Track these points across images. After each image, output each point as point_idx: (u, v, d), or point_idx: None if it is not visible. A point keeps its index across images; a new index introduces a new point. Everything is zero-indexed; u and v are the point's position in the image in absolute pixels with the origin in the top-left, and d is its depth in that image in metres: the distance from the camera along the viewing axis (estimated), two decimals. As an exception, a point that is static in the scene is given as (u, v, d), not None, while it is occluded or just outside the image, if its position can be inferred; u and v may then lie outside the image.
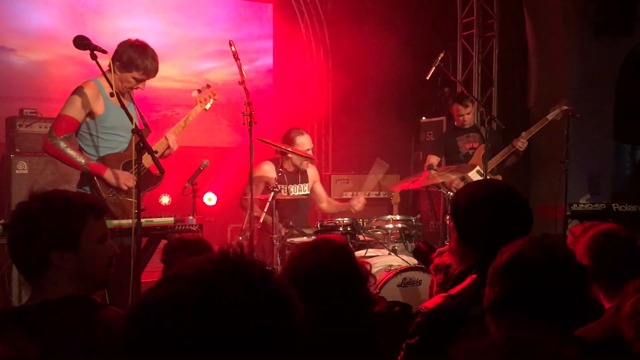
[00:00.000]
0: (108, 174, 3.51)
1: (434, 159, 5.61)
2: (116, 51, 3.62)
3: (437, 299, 2.15)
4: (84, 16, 7.45)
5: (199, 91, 4.07)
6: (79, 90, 3.55)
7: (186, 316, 0.74)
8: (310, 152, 4.97)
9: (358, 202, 5.06)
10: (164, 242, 3.36)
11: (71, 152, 3.49)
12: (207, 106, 4.07)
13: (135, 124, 3.04)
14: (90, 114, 3.57)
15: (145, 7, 7.96)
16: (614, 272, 2.19)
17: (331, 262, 1.83)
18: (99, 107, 3.57)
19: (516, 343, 1.53)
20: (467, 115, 5.49)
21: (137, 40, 3.70)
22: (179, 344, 0.72)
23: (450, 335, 1.64)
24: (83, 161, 3.49)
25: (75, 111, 3.51)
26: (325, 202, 5.35)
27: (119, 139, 3.66)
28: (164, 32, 8.11)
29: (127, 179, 3.53)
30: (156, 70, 3.71)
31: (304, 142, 4.95)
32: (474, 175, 5.21)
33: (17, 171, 4.95)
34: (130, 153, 3.55)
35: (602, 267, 2.21)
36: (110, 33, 7.50)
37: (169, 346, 0.73)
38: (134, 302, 0.83)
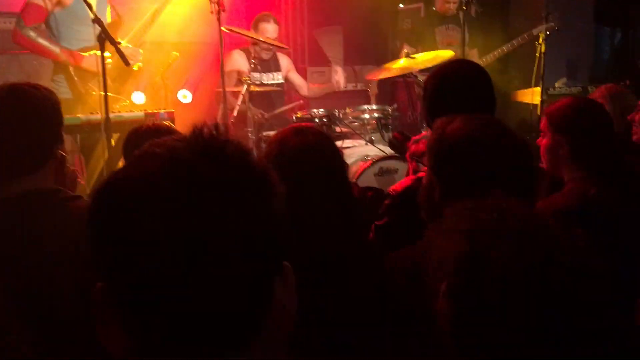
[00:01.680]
0: (87, 60, 3.39)
1: (405, 48, 5.27)
2: None
3: (406, 181, 2.17)
4: None
5: None
6: None
7: (159, 196, 0.69)
8: (275, 40, 4.83)
9: (340, 77, 4.98)
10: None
11: (43, 41, 3.38)
12: None
13: (96, 13, 2.88)
14: (60, 3, 3.43)
15: None
16: None
17: (317, 146, 1.78)
18: None
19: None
20: (454, 3, 5.13)
21: None
22: (151, 226, 0.67)
23: (418, 217, 1.64)
24: (58, 49, 3.38)
25: None
26: (305, 88, 5.28)
27: (88, 30, 3.47)
28: None
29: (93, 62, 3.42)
30: None
31: (267, 28, 4.82)
32: None
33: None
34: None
35: None
36: None
37: (140, 228, 0.68)
38: (100, 184, 0.77)
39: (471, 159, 1.47)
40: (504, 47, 4.99)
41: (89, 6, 2.99)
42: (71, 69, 3.43)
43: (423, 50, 5.22)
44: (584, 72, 5.89)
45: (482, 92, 2.14)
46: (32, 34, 3.34)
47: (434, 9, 5.40)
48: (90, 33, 3.45)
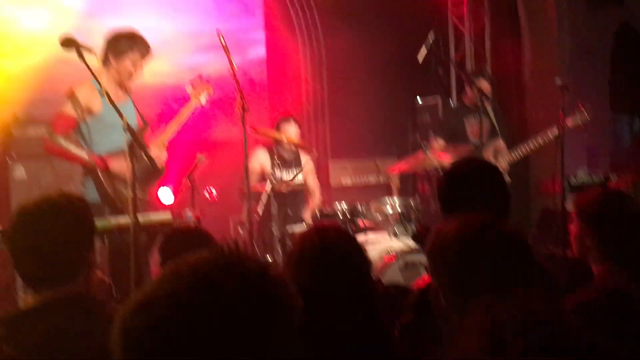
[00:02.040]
0: (114, 165, 3.52)
1: (438, 143, 5.31)
2: (107, 42, 3.66)
3: (428, 278, 2.17)
4: (74, 17, 7.43)
5: (193, 85, 4.08)
6: (76, 88, 3.59)
7: (185, 315, 0.74)
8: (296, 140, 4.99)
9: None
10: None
11: (72, 148, 3.53)
12: (203, 100, 4.08)
13: (126, 121, 3.03)
14: (89, 112, 3.60)
15: (133, 4, 7.92)
16: None
17: (340, 245, 1.81)
18: (96, 105, 3.61)
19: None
20: (490, 94, 5.22)
21: (125, 28, 3.75)
22: (179, 343, 0.72)
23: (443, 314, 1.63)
24: (86, 155, 3.52)
25: (73, 109, 3.55)
26: (317, 197, 5.35)
27: (117, 137, 3.65)
28: (154, 28, 8.04)
29: (124, 167, 3.56)
30: (149, 46, 3.73)
31: (287, 128, 4.99)
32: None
33: (14, 176, 4.95)
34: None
35: None
36: (102, 33, 7.49)
37: (169, 346, 0.72)
38: (128, 304, 0.82)
39: (463, 263, 1.49)
40: (535, 141, 5.04)
41: (120, 114, 3.15)
42: (99, 172, 3.55)
43: (454, 142, 5.24)
44: (605, 160, 5.91)
45: (494, 192, 2.19)
46: (61, 141, 3.51)
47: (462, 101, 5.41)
48: (121, 138, 3.61)
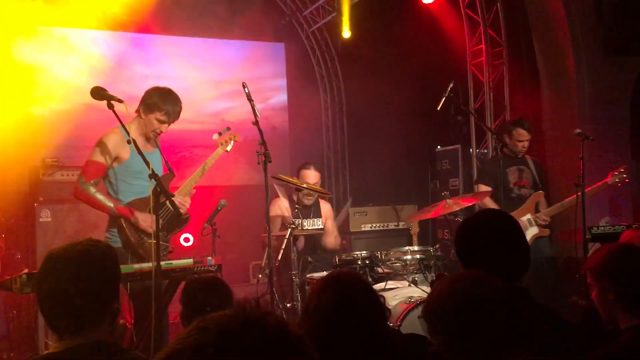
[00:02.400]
0: (135, 217, 3.64)
1: (484, 188, 5.24)
2: (143, 95, 3.82)
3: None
4: (102, 65, 7.68)
5: (220, 134, 4.19)
6: (106, 137, 3.71)
7: None
8: (316, 185, 5.04)
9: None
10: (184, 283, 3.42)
11: (100, 197, 3.64)
12: (228, 148, 4.21)
13: (152, 169, 3.12)
14: (117, 159, 3.72)
15: (161, 53, 8.19)
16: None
17: (355, 295, 1.84)
18: (125, 153, 3.72)
19: None
20: (527, 141, 5.25)
21: (164, 87, 3.89)
22: None
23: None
24: (112, 205, 3.63)
25: (103, 157, 3.67)
26: (333, 239, 5.35)
27: (145, 184, 3.71)
28: (180, 76, 8.31)
29: (153, 222, 3.64)
30: (177, 113, 3.87)
31: (307, 174, 5.06)
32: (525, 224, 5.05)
33: (41, 219, 5.06)
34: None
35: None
36: (128, 79, 7.73)
37: None
38: (158, 356, 0.87)
39: (458, 323, 1.52)
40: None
41: (146, 162, 3.24)
42: (124, 222, 3.65)
43: (497, 189, 5.12)
44: (628, 209, 5.85)
45: (511, 244, 2.21)
46: (91, 189, 3.63)
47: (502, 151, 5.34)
48: (146, 185, 3.70)
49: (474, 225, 2.30)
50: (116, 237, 3.67)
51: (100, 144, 3.68)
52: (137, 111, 3.80)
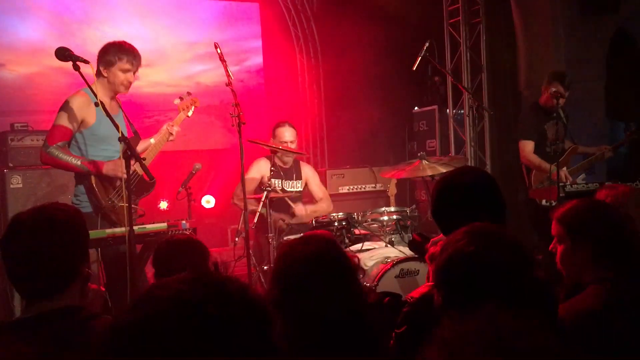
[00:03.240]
0: (107, 167, 3.56)
1: (530, 145, 5.09)
2: (98, 55, 3.72)
3: (423, 288, 2.17)
4: (71, 26, 7.45)
5: (181, 99, 4.11)
6: (70, 100, 3.60)
7: (164, 338, 0.75)
8: (292, 144, 4.98)
9: (300, 210, 5.03)
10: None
11: (65, 157, 3.54)
12: (190, 113, 4.12)
13: (122, 132, 3.04)
14: (83, 123, 3.62)
15: (131, 13, 7.96)
16: None
17: (320, 257, 1.83)
18: (90, 117, 3.62)
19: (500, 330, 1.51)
20: (565, 97, 5.07)
21: (115, 41, 3.79)
22: None
23: (436, 324, 1.63)
24: (79, 162, 3.54)
25: (68, 121, 3.56)
26: (324, 203, 5.31)
27: (112, 149, 3.69)
28: (151, 37, 8.11)
29: (122, 168, 3.59)
30: (139, 59, 3.77)
31: (282, 132, 5.01)
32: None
33: (11, 185, 4.95)
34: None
35: None
36: (98, 41, 7.50)
37: None
38: (106, 329, 0.82)
39: (468, 278, 1.50)
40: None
41: (115, 125, 3.17)
42: (93, 180, 3.56)
43: (538, 144, 5.10)
44: (602, 167, 5.92)
45: (489, 201, 2.19)
46: (55, 152, 3.53)
47: (538, 103, 5.26)
48: (114, 150, 3.66)
49: (449, 184, 2.29)
50: (86, 202, 3.59)
51: (65, 108, 3.57)
52: (97, 73, 3.65)
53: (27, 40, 7.07)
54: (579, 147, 5.30)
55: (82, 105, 3.56)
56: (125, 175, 3.25)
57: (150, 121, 8.06)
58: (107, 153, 3.67)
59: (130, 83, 3.75)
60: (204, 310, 0.76)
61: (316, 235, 1.96)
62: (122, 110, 3.84)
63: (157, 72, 8.22)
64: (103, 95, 3.65)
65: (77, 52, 3.37)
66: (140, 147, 3.88)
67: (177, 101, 4.10)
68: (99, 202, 3.52)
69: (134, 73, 3.75)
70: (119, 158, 3.53)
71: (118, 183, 3.60)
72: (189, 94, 4.15)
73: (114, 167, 3.54)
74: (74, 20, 7.55)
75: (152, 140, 3.93)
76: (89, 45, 7.30)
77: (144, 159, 3.37)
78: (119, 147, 3.59)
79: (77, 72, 3.24)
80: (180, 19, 8.29)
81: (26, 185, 5.01)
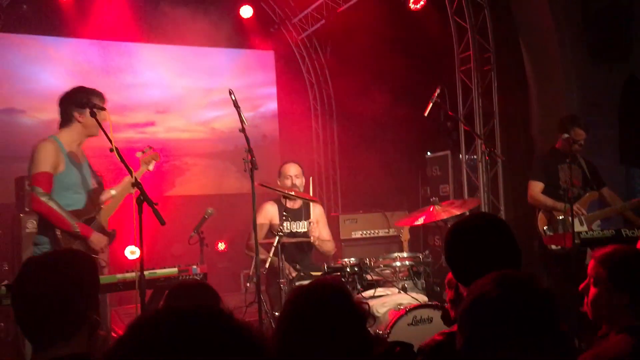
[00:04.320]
0: (94, 237, 3.58)
1: (539, 186, 5.11)
2: (63, 105, 3.72)
3: (438, 337, 2.14)
4: (90, 74, 7.65)
5: (143, 152, 4.09)
6: (42, 147, 3.59)
7: None
8: (297, 179, 5.01)
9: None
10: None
11: (62, 211, 3.50)
12: (151, 167, 4.08)
13: (134, 176, 3.08)
14: (56, 169, 3.60)
15: (148, 61, 8.16)
16: None
17: (329, 304, 1.81)
18: (61, 164, 3.62)
19: None
20: (583, 141, 5.07)
21: (72, 88, 3.79)
22: None
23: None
24: (74, 222, 3.52)
25: (47, 166, 3.54)
26: (327, 245, 5.27)
27: (76, 197, 3.70)
28: (169, 84, 8.30)
29: (103, 243, 3.67)
30: (102, 93, 3.76)
31: (287, 167, 5.05)
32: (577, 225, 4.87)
33: (27, 230, 5.01)
34: (88, 210, 3.66)
35: None
36: (117, 89, 7.70)
37: None
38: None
39: (494, 321, 1.48)
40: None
41: (129, 170, 3.21)
42: (58, 232, 3.51)
43: (548, 186, 5.08)
44: (617, 215, 5.85)
45: (503, 247, 2.15)
46: (51, 202, 3.50)
47: (555, 147, 5.28)
48: (77, 198, 3.69)
49: (462, 230, 2.26)
50: (47, 248, 3.50)
51: (40, 154, 3.55)
52: (68, 120, 3.65)
53: (47, 88, 7.26)
54: (596, 193, 5.26)
55: (53, 152, 3.57)
56: (104, 252, 3.32)
57: (166, 166, 8.17)
58: (69, 201, 3.64)
59: (103, 123, 3.73)
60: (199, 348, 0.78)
61: (324, 283, 1.95)
62: (87, 160, 3.88)
63: (173, 118, 8.36)
64: (71, 142, 3.69)
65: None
66: (102, 198, 3.89)
67: (139, 154, 4.09)
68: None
69: (106, 113, 3.68)
70: (102, 235, 3.61)
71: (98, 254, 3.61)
72: (150, 147, 4.08)
73: (100, 240, 3.60)
74: (93, 68, 7.76)
75: (112, 192, 3.91)
76: (108, 93, 7.46)
77: (157, 203, 3.39)
78: (84, 195, 3.70)
79: (93, 119, 3.30)
80: (197, 67, 8.48)
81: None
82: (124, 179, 3.97)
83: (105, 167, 6.04)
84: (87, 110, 3.56)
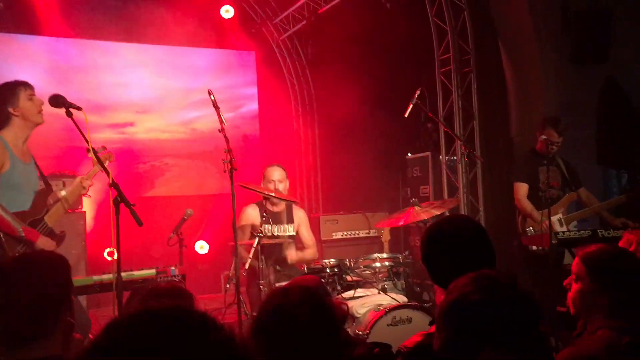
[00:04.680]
0: (41, 241, 3.49)
1: (524, 188, 5.13)
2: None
3: (417, 337, 2.14)
4: (69, 73, 7.56)
5: (96, 152, 3.98)
6: None
7: None
8: (280, 184, 4.98)
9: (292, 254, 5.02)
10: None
11: (7, 216, 3.40)
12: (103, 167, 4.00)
13: (112, 177, 3.05)
14: (1, 168, 3.51)
15: (128, 61, 8.09)
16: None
17: (301, 307, 1.81)
18: (6, 164, 3.52)
19: None
20: (558, 144, 5.13)
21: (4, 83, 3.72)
22: None
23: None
24: (20, 227, 3.42)
25: None
26: (311, 247, 5.27)
27: (22, 197, 3.61)
28: (148, 84, 8.23)
29: (51, 247, 3.55)
30: (27, 81, 3.71)
31: (271, 171, 5.04)
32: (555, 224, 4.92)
33: None
34: (35, 211, 3.57)
35: None
36: (95, 88, 7.62)
37: None
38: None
39: (474, 324, 1.49)
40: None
41: (106, 171, 3.18)
42: (1, 235, 3.41)
43: (531, 187, 5.12)
44: (594, 215, 5.92)
45: (477, 248, 2.19)
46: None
47: (535, 149, 5.30)
48: (23, 199, 3.60)
49: (437, 231, 2.29)
50: None
51: None
52: (5, 121, 3.57)
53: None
54: (574, 194, 5.32)
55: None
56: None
57: (145, 167, 8.10)
58: (15, 202, 3.55)
59: (41, 108, 3.66)
60: (165, 343, 0.78)
61: (298, 285, 1.94)
62: (34, 159, 3.77)
63: (153, 118, 8.30)
64: (16, 139, 3.59)
65: (74, 99, 3.38)
66: (50, 199, 3.79)
67: (90, 154, 4.00)
68: (5, 252, 3.36)
69: (39, 99, 3.66)
70: (49, 240, 3.52)
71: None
72: (104, 148, 3.94)
73: (47, 244, 3.51)
74: (71, 67, 7.66)
75: (62, 193, 3.81)
76: (86, 92, 7.40)
77: (134, 204, 3.36)
78: (31, 195, 3.63)
79: (69, 119, 3.25)
80: (177, 67, 8.43)
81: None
82: (76, 179, 3.88)
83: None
84: (20, 101, 3.54)
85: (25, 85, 3.63)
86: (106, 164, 3.86)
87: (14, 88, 3.58)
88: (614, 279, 2.13)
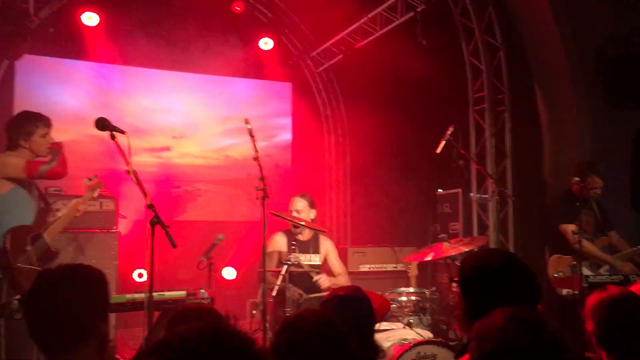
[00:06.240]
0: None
1: (572, 228, 4.83)
2: (11, 129, 3.91)
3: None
4: (110, 97, 7.81)
5: (90, 179, 4.25)
6: None
7: None
8: (300, 214, 5.02)
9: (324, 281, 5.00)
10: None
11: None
12: (95, 194, 4.23)
13: (149, 199, 3.14)
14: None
15: (167, 87, 8.31)
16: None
17: (313, 339, 1.81)
18: (5, 185, 3.81)
19: None
20: (601, 188, 5.08)
21: (17, 114, 4.02)
22: None
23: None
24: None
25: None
26: (342, 278, 5.28)
27: (25, 214, 3.88)
28: (185, 111, 8.43)
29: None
30: (48, 118, 3.98)
31: (293, 202, 5.10)
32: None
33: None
34: (36, 227, 3.79)
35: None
36: (136, 113, 7.85)
37: None
38: None
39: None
40: None
41: (144, 193, 3.27)
42: (7, 245, 3.66)
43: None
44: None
45: (522, 284, 2.12)
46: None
47: (572, 191, 5.25)
48: (26, 216, 3.85)
49: (475, 265, 2.21)
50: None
51: None
52: (14, 145, 3.85)
53: (68, 109, 7.41)
54: (607, 239, 5.25)
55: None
56: None
57: (178, 191, 8.25)
58: (13, 223, 3.78)
59: (50, 144, 3.96)
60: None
61: (313, 314, 1.94)
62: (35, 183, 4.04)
63: (188, 144, 8.48)
64: (16, 167, 3.84)
65: (115, 123, 3.52)
66: (49, 218, 4.04)
67: (85, 181, 4.25)
68: (9, 263, 3.56)
69: (51, 136, 3.96)
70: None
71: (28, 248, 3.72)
72: (96, 176, 4.28)
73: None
74: (114, 92, 7.91)
75: (58, 214, 4.10)
76: (128, 116, 7.62)
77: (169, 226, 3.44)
78: (29, 213, 3.86)
79: (113, 141, 3.38)
80: (215, 95, 8.62)
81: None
82: (71, 202, 4.15)
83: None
84: (32, 136, 3.84)
85: (44, 123, 3.93)
86: (96, 192, 4.12)
87: (32, 124, 3.89)
88: (595, 315, 2.23)
